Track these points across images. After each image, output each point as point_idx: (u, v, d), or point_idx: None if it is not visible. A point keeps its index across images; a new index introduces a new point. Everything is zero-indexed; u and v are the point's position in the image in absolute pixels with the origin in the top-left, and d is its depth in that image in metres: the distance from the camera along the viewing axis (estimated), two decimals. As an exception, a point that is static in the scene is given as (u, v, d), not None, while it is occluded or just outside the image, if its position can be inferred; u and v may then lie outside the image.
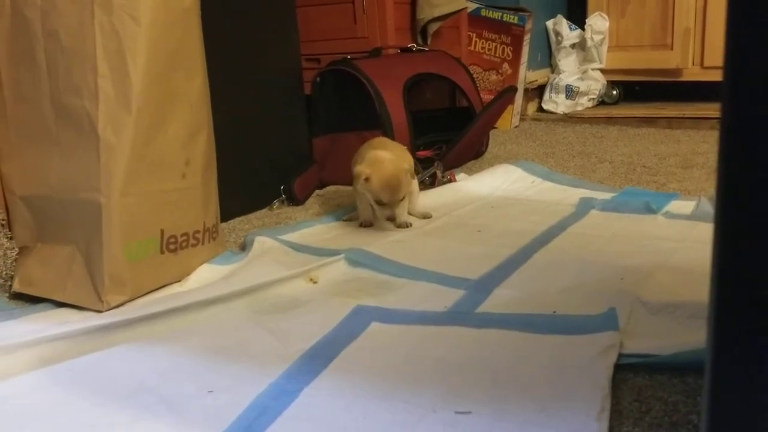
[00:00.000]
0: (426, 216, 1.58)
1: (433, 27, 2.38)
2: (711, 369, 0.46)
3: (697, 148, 2.22)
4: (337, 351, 0.95)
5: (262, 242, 1.39)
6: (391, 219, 1.45)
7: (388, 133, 1.82)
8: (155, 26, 1.15)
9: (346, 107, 2.01)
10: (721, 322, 0.45)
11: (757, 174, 0.42)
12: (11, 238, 1.29)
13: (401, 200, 1.43)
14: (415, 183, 1.59)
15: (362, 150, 1.52)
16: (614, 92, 3.07)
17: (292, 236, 1.47)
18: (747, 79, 0.41)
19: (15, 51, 1.22)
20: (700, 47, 2.80)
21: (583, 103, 3.02)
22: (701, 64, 2.81)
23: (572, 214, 1.54)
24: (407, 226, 1.51)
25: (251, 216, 1.71)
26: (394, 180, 1.40)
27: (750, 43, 0.41)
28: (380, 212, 1.45)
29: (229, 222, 1.64)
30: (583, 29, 2.99)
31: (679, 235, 1.34)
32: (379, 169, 1.41)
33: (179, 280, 1.25)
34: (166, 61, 1.18)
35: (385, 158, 1.43)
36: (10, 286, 1.24)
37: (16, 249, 1.28)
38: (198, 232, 1.29)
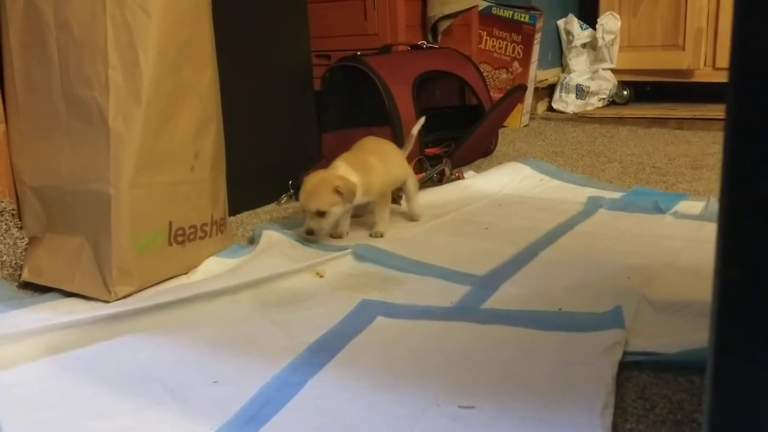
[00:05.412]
0: (413, 219, 1.53)
1: (444, 24, 2.37)
2: (713, 367, 0.46)
3: (707, 149, 2.21)
4: (342, 344, 0.96)
5: (269, 236, 1.40)
6: (310, 233, 1.36)
7: (397, 130, 1.82)
8: (166, 19, 1.16)
9: (355, 103, 2.02)
10: (723, 319, 0.45)
11: (761, 171, 0.42)
12: (21, 228, 1.30)
13: (318, 215, 1.34)
14: (412, 182, 1.55)
15: (349, 151, 1.49)
16: (625, 92, 3.06)
17: (300, 230, 1.48)
18: (753, 74, 0.41)
19: (27, 42, 1.23)
20: (712, 48, 2.78)
21: (594, 102, 3.01)
22: (713, 65, 2.79)
23: (580, 213, 1.53)
24: (378, 236, 1.45)
25: (259, 210, 1.72)
26: (311, 187, 1.35)
27: (757, 41, 0.41)
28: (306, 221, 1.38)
29: (237, 216, 1.65)
30: (594, 29, 2.98)
31: (687, 235, 1.34)
32: (312, 176, 1.38)
33: (186, 273, 1.25)
34: (176, 54, 1.19)
35: (326, 172, 1.39)
36: (20, 275, 1.25)
37: (26, 239, 1.29)
38: (206, 224, 1.29)
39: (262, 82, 1.75)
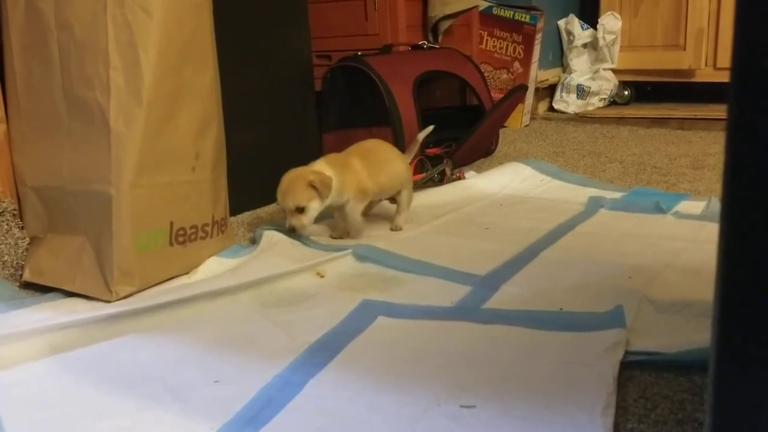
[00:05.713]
0: (392, 229, 1.50)
1: (445, 25, 2.37)
2: (714, 366, 0.46)
3: (708, 149, 2.21)
4: (343, 344, 0.96)
5: (270, 236, 1.40)
6: (292, 230, 1.36)
7: (397, 130, 1.82)
8: (167, 19, 1.16)
9: (356, 103, 2.02)
10: (724, 319, 0.45)
11: (763, 171, 0.42)
12: (22, 228, 1.30)
13: (298, 211, 1.34)
14: (407, 194, 1.52)
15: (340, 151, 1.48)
16: (626, 92, 3.06)
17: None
18: (754, 74, 0.41)
19: (28, 42, 1.23)
20: (713, 48, 2.78)
21: (594, 102, 3.01)
22: (714, 65, 2.79)
23: (581, 213, 1.53)
24: (341, 238, 1.45)
25: (260, 210, 1.72)
26: (286, 185, 1.35)
27: (758, 41, 0.41)
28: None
29: (238, 216, 1.65)
30: (595, 29, 2.98)
31: (688, 235, 1.34)
32: (286, 175, 1.37)
33: (187, 273, 1.25)
34: (177, 55, 1.19)
35: (301, 169, 1.38)
36: (21, 275, 1.25)
37: (27, 239, 1.29)
38: (207, 225, 1.29)
39: (263, 82, 1.75)
